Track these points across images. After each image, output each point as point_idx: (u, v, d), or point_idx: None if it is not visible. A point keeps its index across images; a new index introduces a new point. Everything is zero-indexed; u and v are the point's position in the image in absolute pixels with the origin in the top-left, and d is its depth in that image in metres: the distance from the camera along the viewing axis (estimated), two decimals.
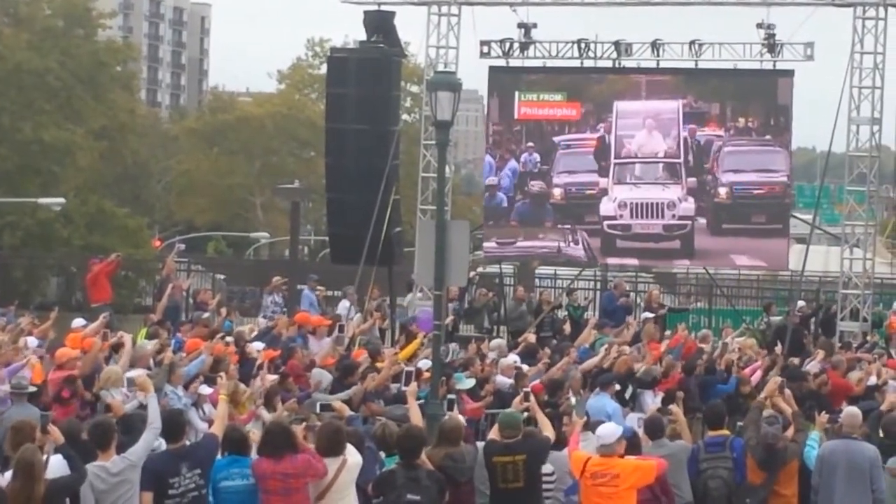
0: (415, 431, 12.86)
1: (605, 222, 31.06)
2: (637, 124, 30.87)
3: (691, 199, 30.51)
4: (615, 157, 30.91)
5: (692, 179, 30.55)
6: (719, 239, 30.90)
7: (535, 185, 31.39)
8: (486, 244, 32.08)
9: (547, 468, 13.85)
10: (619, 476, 13.19)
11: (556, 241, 31.52)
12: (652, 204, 30.81)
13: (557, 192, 31.17)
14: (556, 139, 31.06)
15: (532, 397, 14.47)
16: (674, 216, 30.80)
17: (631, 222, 30.97)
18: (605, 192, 31.02)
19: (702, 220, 30.53)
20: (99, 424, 11.79)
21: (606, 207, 31.00)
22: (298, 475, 12.00)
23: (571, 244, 31.33)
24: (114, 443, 11.55)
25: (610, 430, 13.52)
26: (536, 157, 31.25)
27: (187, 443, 12.30)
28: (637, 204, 30.87)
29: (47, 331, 20.24)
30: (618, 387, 18.68)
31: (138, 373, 15.37)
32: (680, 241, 31.12)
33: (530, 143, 31.42)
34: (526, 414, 14.72)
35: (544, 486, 13.81)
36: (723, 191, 30.32)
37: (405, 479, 12.39)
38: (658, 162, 30.78)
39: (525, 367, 19.92)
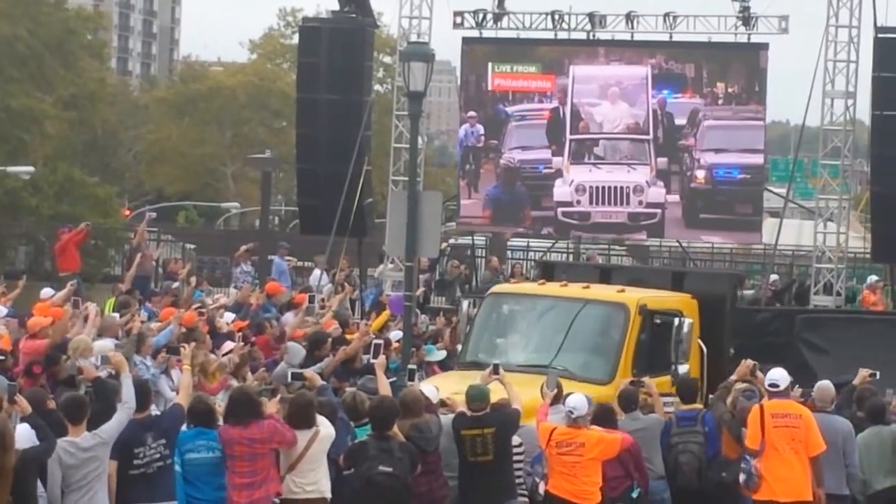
0: (387, 403, 12.87)
1: (560, 209, 28.91)
2: (597, 92, 29.16)
3: (661, 183, 28.58)
4: (571, 133, 28.98)
5: (663, 159, 28.65)
6: (694, 231, 29.47)
7: (505, 161, 29.34)
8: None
9: (515, 440, 13.85)
10: (584, 445, 13.40)
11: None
12: (615, 188, 28.59)
13: None
14: (508, 110, 29.83)
15: (501, 369, 14.36)
16: (641, 203, 28.51)
17: (590, 209, 28.86)
18: (559, 173, 28.96)
19: (675, 207, 28.51)
20: (74, 399, 11.73)
21: (561, 191, 28.69)
22: (265, 440, 12.07)
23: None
24: (86, 419, 11.48)
25: (580, 402, 13.62)
26: (479, 128, 29.91)
27: (153, 413, 12.27)
28: (597, 188, 28.71)
29: (16, 299, 20.11)
30: None
31: (107, 346, 15.24)
32: (648, 232, 29.73)
33: (471, 113, 30.28)
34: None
35: (518, 455, 13.82)
36: (701, 174, 28.57)
37: (377, 451, 12.42)
38: (623, 138, 28.89)
39: None
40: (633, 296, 17.08)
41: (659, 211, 28.65)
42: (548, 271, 19.57)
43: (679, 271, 20.10)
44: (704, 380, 16.86)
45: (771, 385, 14.24)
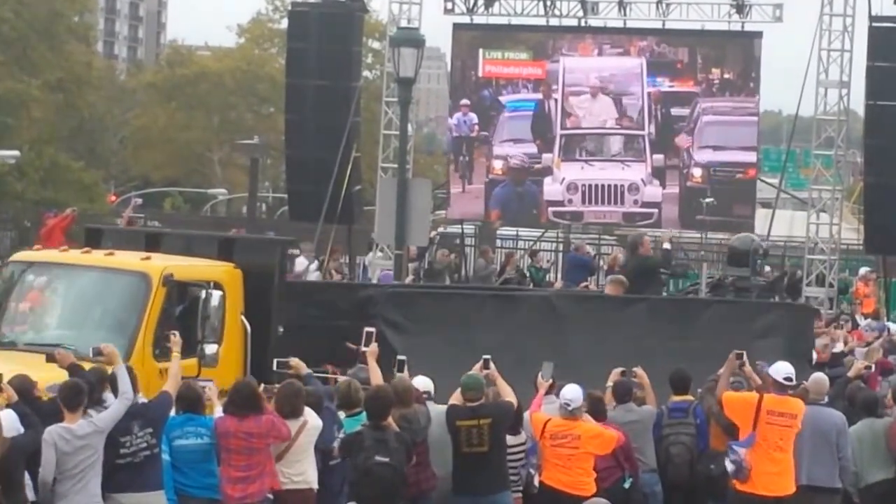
0: (383, 392, 12.74)
1: (551, 209, 28.31)
2: (587, 85, 28.68)
3: (657, 182, 28.05)
4: (561, 128, 28.41)
5: (658, 156, 28.01)
6: (689, 232, 29.06)
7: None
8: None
9: (521, 437, 13.73)
10: (579, 438, 13.33)
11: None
12: (609, 186, 27.91)
13: (498, 164, 28.83)
14: (502, 100, 29.48)
15: (492, 364, 14.12)
16: (636, 202, 27.87)
17: (583, 209, 28.28)
18: (549, 170, 28.28)
19: (671, 205, 27.87)
20: (72, 385, 11.63)
21: (551, 190, 28.00)
22: (262, 435, 12.04)
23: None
24: (82, 407, 11.43)
25: (576, 394, 13.51)
26: (473, 117, 29.49)
27: (139, 401, 12.06)
28: (590, 186, 28.05)
29: None
30: None
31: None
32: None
33: (464, 101, 29.92)
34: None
35: (516, 454, 13.68)
36: (698, 172, 28.03)
37: (373, 441, 12.32)
38: (616, 133, 28.33)
39: None
40: (158, 264, 14.86)
41: (655, 211, 27.96)
42: (94, 238, 16.73)
43: (228, 238, 17.83)
44: (248, 361, 14.88)
45: (786, 379, 13.91)
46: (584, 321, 16.47)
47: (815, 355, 17.61)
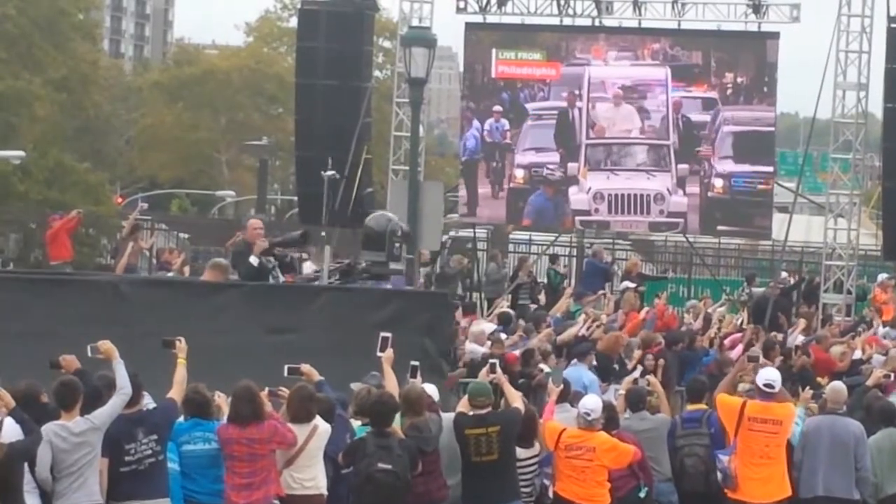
0: (386, 398, 12.57)
1: (578, 218, 28.48)
2: (611, 95, 28.61)
3: (682, 192, 28.06)
4: (586, 137, 28.38)
5: (683, 166, 27.99)
6: (709, 239, 29.27)
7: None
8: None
9: (533, 450, 13.53)
10: (594, 450, 13.26)
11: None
12: (635, 196, 27.93)
13: (520, 173, 28.85)
14: (528, 106, 29.29)
15: (498, 368, 13.85)
16: (662, 212, 27.97)
17: (609, 219, 28.46)
18: (574, 179, 28.40)
19: (692, 213, 27.87)
20: (66, 384, 11.50)
21: (578, 199, 28.11)
22: (264, 441, 11.93)
23: None
24: (78, 404, 11.33)
25: (595, 404, 13.42)
26: (504, 123, 29.41)
27: (144, 408, 11.95)
28: (616, 196, 28.02)
29: None
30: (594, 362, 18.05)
31: None
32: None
33: (497, 108, 29.77)
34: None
35: (529, 466, 13.49)
36: (719, 182, 27.99)
37: (376, 448, 12.18)
38: (642, 143, 28.30)
39: (504, 336, 19.30)
40: None
41: (681, 220, 28.04)
42: None
43: None
44: None
45: (766, 385, 13.87)
46: (162, 311, 14.46)
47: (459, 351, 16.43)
